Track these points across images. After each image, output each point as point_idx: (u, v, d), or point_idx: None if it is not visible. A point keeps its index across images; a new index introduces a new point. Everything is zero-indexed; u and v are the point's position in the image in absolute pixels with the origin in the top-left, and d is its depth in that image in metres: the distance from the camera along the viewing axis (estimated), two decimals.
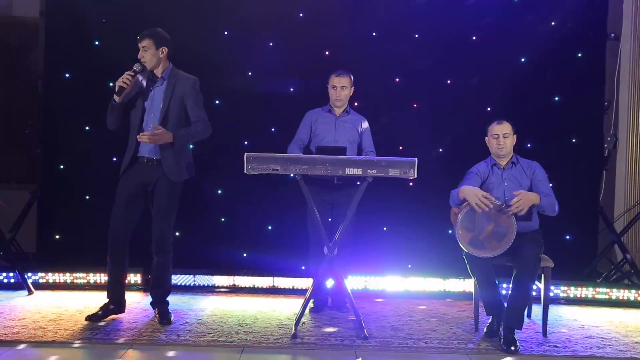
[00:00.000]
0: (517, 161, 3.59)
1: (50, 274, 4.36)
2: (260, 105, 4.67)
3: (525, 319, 3.48)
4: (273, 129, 4.68)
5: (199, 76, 4.62)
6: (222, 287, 4.42)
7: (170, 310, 3.64)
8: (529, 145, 4.57)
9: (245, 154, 3.37)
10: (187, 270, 4.43)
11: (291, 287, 4.39)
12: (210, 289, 4.41)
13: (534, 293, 3.66)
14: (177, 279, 4.37)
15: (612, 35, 4.80)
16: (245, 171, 3.38)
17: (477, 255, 3.33)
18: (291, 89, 4.72)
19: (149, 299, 3.73)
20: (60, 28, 4.65)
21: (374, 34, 4.72)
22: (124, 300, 3.68)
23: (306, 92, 4.61)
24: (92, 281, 4.36)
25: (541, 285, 3.53)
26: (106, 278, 3.69)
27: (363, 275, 4.40)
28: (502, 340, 3.24)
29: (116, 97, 3.40)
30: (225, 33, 4.70)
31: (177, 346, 3.18)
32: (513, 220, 3.29)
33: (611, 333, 3.59)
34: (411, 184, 4.58)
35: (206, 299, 4.19)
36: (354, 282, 4.35)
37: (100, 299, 4.03)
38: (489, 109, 4.63)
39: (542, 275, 3.49)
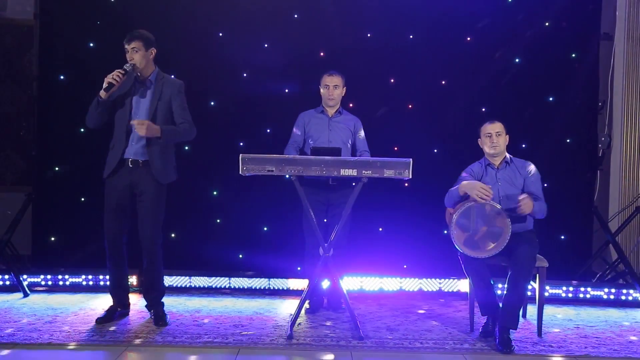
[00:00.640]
0: (510, 161, 3.61)
1: (45, 276, 4.35)
2: (256, 106, 4.68)
3: (521, 319, 3.49)
4: (268, 130, 4.68)
5: (193, 78, 4.65)
6: (218, 288, 4.41)
7: (166, 312, 3.65)
8: (523, 145, 4.58)
9: (241, 155, 3.38)
10: (183, 271, 4.42)
11: (287, 288, 4.39)
12: (206, 290, 4.40)
13: (528, 293, 3.67)
14: (172, 280, 4.38)
15: (606, 35, 4.82)
16: (240, 172, 3.38)
17: (472, 255, 3.34)
18: (286, 90, 4.72)
19: (144, 301, 3.72)
20: (55, 30, 4.64)
21: (369, 34, 4.72)
22: (129, 301, 3.73)
23: (301, 93, 4.62)
24: (87, 283, 4.35)
25: (536, 285, 3.55)
26: (104, 280, 3.69)
27: (359, 275, 4.41)
28: (497, 340, 3.25)
29: (102, 93, 3.38)
30: (220, 34, 4.70)
31: (173, 347, 3.18)
32: (508, 221, 3.30)
33: (606, 332, 3.60)
34: (406, 184, 4.59)
35: (202, 300, 4.18)
36: (350, 283, 4.36)
37: (96, 300, 4.04)
38: (483, 109, 4.65)
39: (537, 275, 3.51)
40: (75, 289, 4.34)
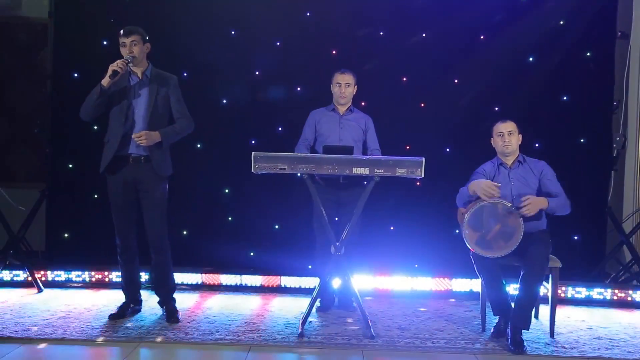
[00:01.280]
0: (523, 160, 3.58)
1: (59, 272, 4.39)
2: (268, 104, 4.69)
3: (533, 320, 3.46)
4: (280, 129, 4.69)
5: (205, 76, 4.67)
6: (229, 285, 4.43)
7: (177, 308, 3.67)
8: (537, 145, 4.55)
9: (253, 153, 3.38)
10: (195, 269, 4.44)
11: (298, 287, 4.39)
12: (218, 288, 4.42)
13: (542, 293, 3.65)
14: (184, 278, 4.39)
15: (621, 34, 4.77)
16: (252, 170, 3.39)
17: (484, 255, 3.33)
18: (298, 88, 4.72)
19: (156, 297, 3.75)
20: (69, 28, 4.68)
21: (381, 33, 4.71)
22: (141, 298, 3.76)
23: (313, 91, 4.61)
24: (100, 279, 4.39)
25: (549, 286, 3.52)
26: (117, 276, 3.71)
27: (370, 274, 4.40)
28: (509, 340, 3.23)
29: (107, 81, 3.37)
30: (232, 33, 4.71)
31: (185, 344, 3.20)
32: (520, 220, 3.28)
33: (619, 334, 3.57)
34: (418, 183, 4.58)
35: (213, 298, 4.20)
36: (361, 282, 4.35)
37: (109, 296, 4.07)
38: (496, 108, 4.62)
39: (550, 275, 3.48)
40: (89, 285, 4.38)
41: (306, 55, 4.68)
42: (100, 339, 3.23)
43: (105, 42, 4.64)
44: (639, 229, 4.56)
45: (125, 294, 3.70)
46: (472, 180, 3.53)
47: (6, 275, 4.35)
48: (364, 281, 4.37)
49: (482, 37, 4.67)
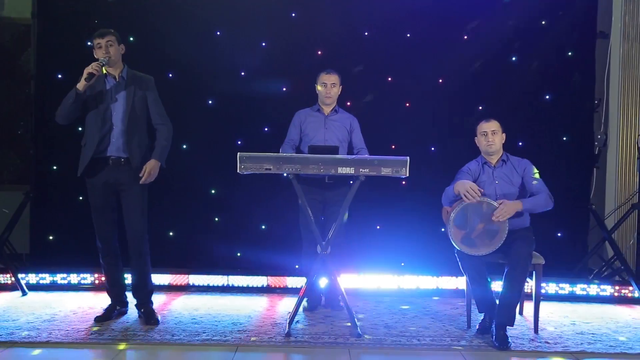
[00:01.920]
0: (507, 159, 3.62)
1: (43, 275, 4.36)
2: (253, 105, 4.69)
3: (517, 316, 3.50)
4: (266, 129, 4.69)
5: (191, 76, 4.66)
6: (216, 286, 4.42)
7: (155, 310, 3.64)
8: (520, 143, 4.60)
9: (239, 153, 3.38)
10: (181, 269, 4.43)
11: (285, 286, 4.40)
12: (204, 289, 4.41)
13: (525, 290, 3.69)
14: (170, 279, 4.38)
15: (602, 34, 4.84)
16: (238, 171, 3.39)
17: (469, 253, 3.36)
18: (284, 89, 4.73)
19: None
20: (52, 29, 4.65)
21: (366, 33, 4.74)
22: (127, 300, 3.74)
23: (299, 91, 4.62)
24: (85, 282, 4.36)
25: (532, 282, 3.56)
26: (102, 278, 3.68)
27: (356, 273, 4.42)
28: (494, 336, 3.27)
29: (82, 84, 3.35)
30: (218, 33, 4.71)
31: (172, 345, 3.19)
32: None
33: (602, 329, 3.62)
34: (403, 182, 4.61)
35: (200, 299, 4.19)
36: (348, 281, 4.37)
37: (94, 299, 4.05)
38: (480, 107, 4.67)
39: (534, 272, 3.52)
40: (74, 287, 4.35)
41: (291, 56, 4.69)
42: (86, 342, 3.21)
43: (89, 43, 4.56)
44: (621, 225, 4.63)
45: (110, 296, 3.68)
46: (457, 179, 3.56)
47: None
48: (351, 280, 4.39)
49: (465, 37, 4.72)
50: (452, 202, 3.52)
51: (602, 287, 4.30)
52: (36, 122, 4.68)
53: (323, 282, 3.90)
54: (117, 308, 3.67)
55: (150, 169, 3.47)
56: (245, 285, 4.42)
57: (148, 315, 3.57)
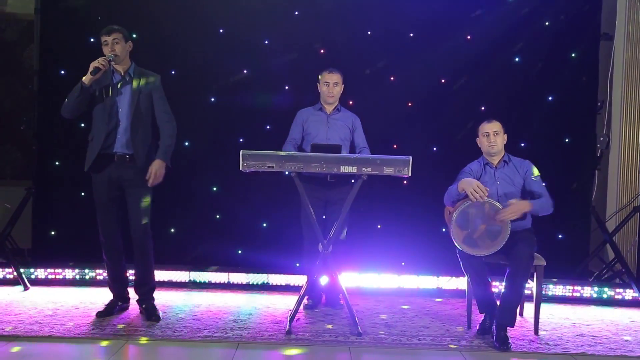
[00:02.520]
0: (509, 160, 3.62)
1: (46, 270, 4.37)
2: (256, 103, 4.69)
3: (518, 317, 3.51)
4: (268, 127, 4.69)
5: (194, 74, 4.67)
6: (217, 283, 4.43)
7: (156, 307, 3.65)
8: (522, 144, 4.60)
9: (241, 151, 3.39)
10: (182, 266, 4.44)
11: (285, 284, 4.41)
12: (206, 286, 4.42)
13: (526, 291, 3.69)
14: (172, 276, 4.39)
15: (605, 35, 4.84)
16: (240, 168, 3.40)
17: (471, 253, 3.37)
18: (286, 87, 4.73)
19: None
20: (55, 25, 4.65)
21: (369, 32, 4.73)
22: (128, 295, 3.74)
23: (301, 89, 4.62)
24: (87, 277, 4.38)
25: (533, 284, 3.57)
26: (103, 274, 3.69)
27: (357, 272, 4.43)
28: (494, 337, 3.27)
29: (88, 78, 3.36)
30: (221, 31, 4.71)
31: (173, 341, 3.20)
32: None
33: (602, 331, 3.63)
34: (405, 182, 4.61)
35: (201, 296, 4.21)
36: (348, 279, 4.38)
37: (96, 294, 4.06)
38: (482, 108, 4.66)
39: (535, 273, 3.52)
40: (76, 282, 4.37)
41: (294, 54, 4.69)
42: (88, 337, 3.22)
43: (92, 39, 4.61)
44: (622, 227, 4.63)
45: (112, 291, 3.69)
46: (459, 179, 3.56)
47: None
48: (352, 279, 4.40)
49: (468, 37, 4.71)
50: (454, 202, 3.52)
51: (603, 289, 4.30)
52: (39, 117, 4.68)
53: (324, 281, 3.90)
54: (118, 303, 3.69)
55: (156, 170, 3.48)
56: (246, 283, 4.43)
57: (150, 311, 3.58)
